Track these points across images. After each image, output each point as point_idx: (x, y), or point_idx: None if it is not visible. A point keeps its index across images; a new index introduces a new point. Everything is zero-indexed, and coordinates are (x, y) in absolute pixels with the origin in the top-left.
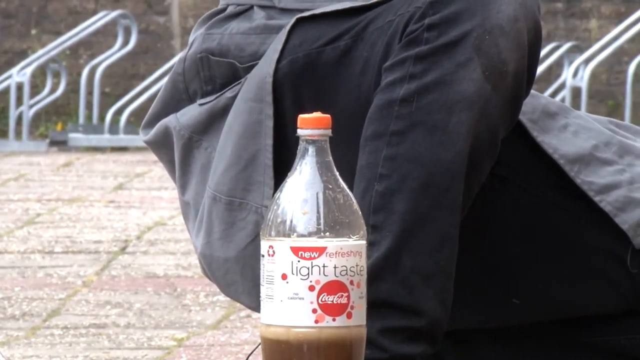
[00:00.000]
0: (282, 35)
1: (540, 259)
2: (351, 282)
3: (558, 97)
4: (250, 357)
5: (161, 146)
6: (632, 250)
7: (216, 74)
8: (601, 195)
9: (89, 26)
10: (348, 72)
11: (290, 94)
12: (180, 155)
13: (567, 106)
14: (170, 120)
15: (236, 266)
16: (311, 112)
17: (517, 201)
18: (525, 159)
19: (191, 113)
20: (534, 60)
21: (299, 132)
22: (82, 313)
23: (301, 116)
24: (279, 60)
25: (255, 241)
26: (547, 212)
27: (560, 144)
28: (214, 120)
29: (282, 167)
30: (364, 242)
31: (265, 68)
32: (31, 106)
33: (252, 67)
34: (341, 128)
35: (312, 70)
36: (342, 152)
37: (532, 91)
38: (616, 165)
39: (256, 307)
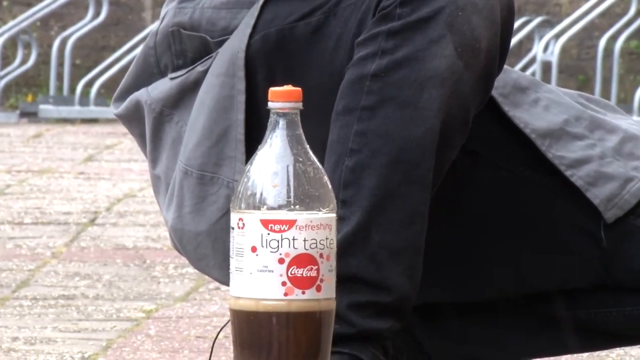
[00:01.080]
0: (255, 11)
1: (511, 234)
2: (321, 255)
3: (528, 72)
4: (220, 332)
5: (132, 120)
6: (603, 224)
7: (187, 48)
8: (572, 170)
9: None
10: (321, 47)
11: (263, 70)
12: (151, 129)
13: (538, 80)
14: (141, 94)
15: (207, 240)
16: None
17: (488, 176)
18: (496, 134)
19: (162, 87)
20: (507, 38)
21: (270, 104)
22: (51, 284)
23: (272, 89)
24: (251, 36)
25: (226, 215)
26: (518, 187)
27: (531, 118)
28: (185, 95)
29: (254, 142)
30: (334, 215)
31: (237, 43)
32: (1, 77)
33: (223, 41)
34: (313, 103)
35: (284, 45)
36: (314, 126)
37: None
38: (587, 139)
39: (226, 281)
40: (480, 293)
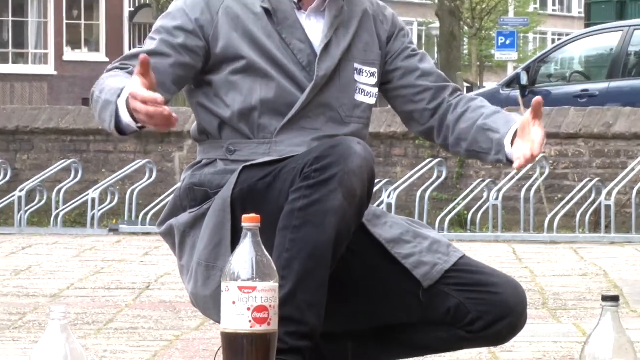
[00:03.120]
0: (234, 177)
1: (371, 292)
2: (270, 306)
3: (380, 207)
4: (219, 350)
5: (168, 235)
6: (422, 289)
7: (198, 196)
8: (405, 260)
9: (131, 167)
10: (271, 195)
11: (240, 207)
12: (178, 240)
13: (386, 211)
14: (173, 221)
15: (210, 300)
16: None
17: (358, 262)
18: (363, 240)
19: (184, 217)
20: (371, 190)
21: (243, 224)
22: (124, 321)
23: (244, 216)
24: (233, 190)
25: (220, 287)
26: (374, 269)
27: (383, 232)
28: (197, 221)
29: (235, 245)
30: (277, 284)
31: (226, 193)
32: (99, 211)
33: (218, 192)
34: (268, 224)
35: (251, 194)
36: (267, 236)
37: None
38: (412, 243)
39: (219, 321)
40: (353, 325)
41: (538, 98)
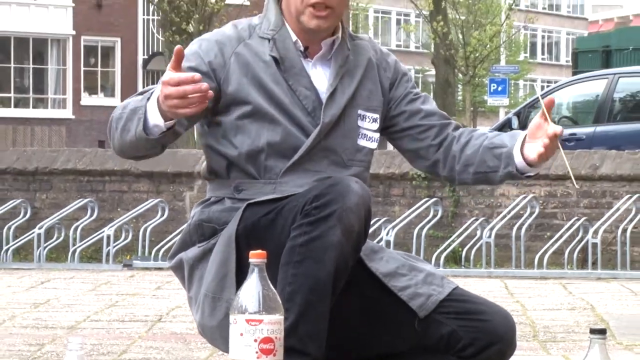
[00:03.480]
0: (239, 214)
1: (370, 323)
2: (276, 338)
3: (380, 244)
4: None
5: (177, 269)
6: (418, 319)
7: (206, 231)
8: (401, 292)
9: (144, 206)
10: (273, 231)
11: (244, 242)
12: (188, 273)
13: (383, 247)
14: (182, 255)
15: (217, 330)
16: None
17: (357, 295)
18: (362, 275)
19: (193, 251)
20: (368, 226)
21: (250, 260)
22: (138, 352)
23: (251, 252)
24: (237, 226)
25: (226, 317)
26: (372, 300)
27: (379, 267)
28: (205, 255)
29: (240, 278)
30: (282, 317)
31: (231, 229)
32: (113, 248)
33: (224, 227)
34: (271, 259)
35: (254, 230)
36: (272, 271)
37: None
38: (408, 276)
39: (227, 350)
40: (353, 354)
41: (550, 98)
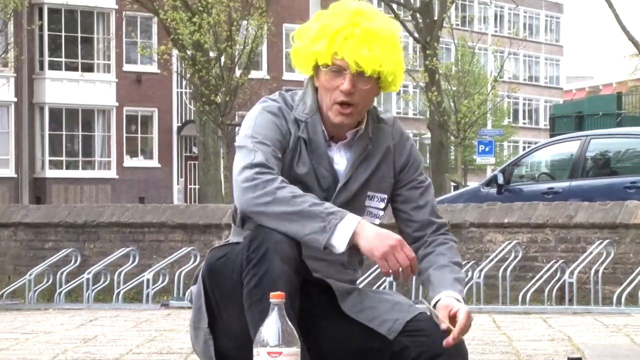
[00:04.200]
0: (206, 257)
1: (344, 351)
2: None
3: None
4: None
5: (191, 302)
6: (387, 340)
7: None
8: (371, 322)
9: (179, 253)
10: (226, 272)
11: (207, 279)
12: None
13: (356, 287)
14: (192, 288)
15: (202, 354)
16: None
17: (334, 328)
18: (336, 313)
19: (195, 288)
20: (300, 251)
21: (271, 300)
22: None
23: (271, 293)
24: (203, 266)
25: (205, 343)
26: (347, 331)
27: (351, 305)
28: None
29: (210, 310)
30: (299, 349)
31: (202, 269)
32: (152, 290)
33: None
34: (226, 295)
35: (213, 271)
36: (235, 303)
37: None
38: (376, 307)
39: None
40: None
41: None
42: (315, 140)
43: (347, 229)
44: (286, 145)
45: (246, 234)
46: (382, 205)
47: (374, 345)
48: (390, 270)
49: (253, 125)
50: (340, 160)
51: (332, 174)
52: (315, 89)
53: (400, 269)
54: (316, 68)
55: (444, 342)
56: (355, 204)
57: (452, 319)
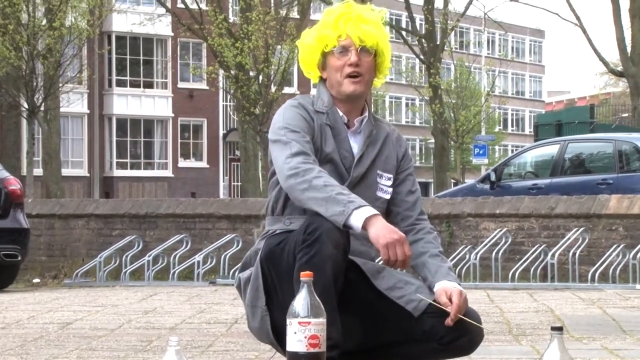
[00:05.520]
0: (262, 243)
1: (374, 322)
2: (320, 335)
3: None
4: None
5: (238, 287)
6: (413, 317)
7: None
8: (399, 299)
9: (224, 239)
10: (283, 255)
11: (265, 264)
12: (243, 289)
13: (385, 266)
14: (240, 275)
15: (258, 330)
16: (273, 269)
17: (365, 303)
18: (369, 289)
19: (246, 273)
20: (349, 238)
21: (301, 278)
22: None
23: (302, 272)
24: (261, 253)
25: (262, 320)
26: (377, 306)
27: (382, 283)
28: (250, 275)
29: (267, 290)
30: (325, 320)
31: (259, 254)
32: (200, 272)
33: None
34: (283, 275)
35: (271, 255)
36: (287, 283)
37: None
38: (403, 288)
39: (268, 343)
40: (361, 344)
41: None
42: (337, 127)
43: (361, 215)
44: (312, 131)
45: (285, 219)
46: (389, 183)
47: (401, 319)
48: (389, 259)
49: (282, 119)
50: (354, 143)
51: (351, 153)
52: (324, 83)
53: (397, 261)
54: (322, 61)
55: (445, 322)
56: (368, 178)
57: (451, 301)
